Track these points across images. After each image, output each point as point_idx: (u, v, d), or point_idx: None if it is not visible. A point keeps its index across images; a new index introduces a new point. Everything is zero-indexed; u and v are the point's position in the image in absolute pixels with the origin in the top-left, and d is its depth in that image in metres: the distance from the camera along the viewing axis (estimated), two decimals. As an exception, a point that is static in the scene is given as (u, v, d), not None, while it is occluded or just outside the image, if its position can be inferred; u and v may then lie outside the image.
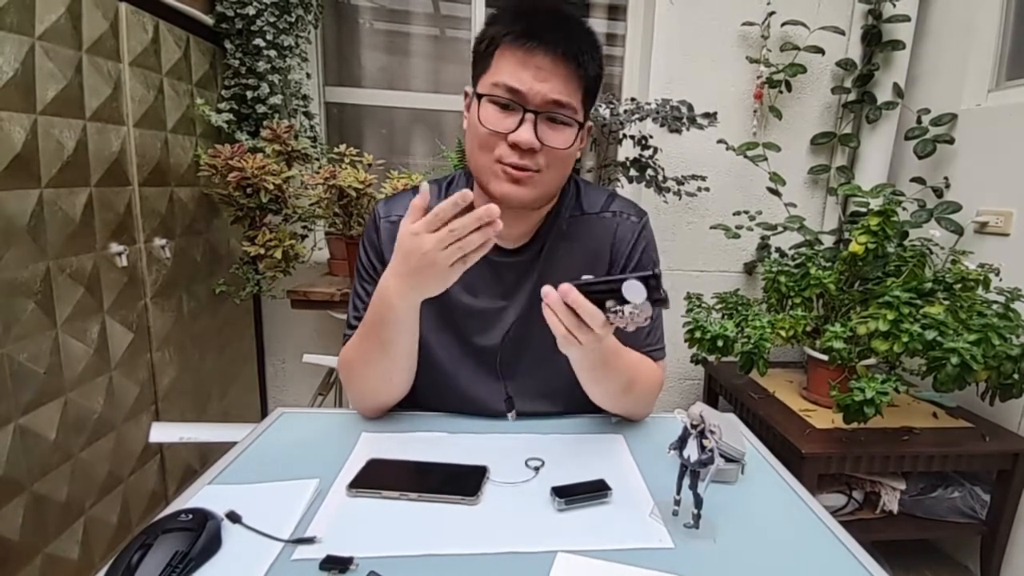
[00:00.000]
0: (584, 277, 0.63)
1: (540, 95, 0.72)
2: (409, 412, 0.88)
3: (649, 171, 1.84)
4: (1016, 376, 1.30)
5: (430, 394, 0.89)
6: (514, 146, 0.73)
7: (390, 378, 0.82)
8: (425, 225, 0.64)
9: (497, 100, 0.73)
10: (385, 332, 0.76)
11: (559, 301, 0.62)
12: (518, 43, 0.72)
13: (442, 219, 0.63)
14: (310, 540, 0.57)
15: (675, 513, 0.63)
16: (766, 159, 1.85)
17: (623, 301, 0.59)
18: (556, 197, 0.86)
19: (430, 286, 0.69)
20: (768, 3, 1.92)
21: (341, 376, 0.86)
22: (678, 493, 0.63)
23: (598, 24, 2.15)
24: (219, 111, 1.66)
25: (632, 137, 1.85)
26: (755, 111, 2.02)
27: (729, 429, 0.72)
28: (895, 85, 1.92)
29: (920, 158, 1.84)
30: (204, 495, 0.64)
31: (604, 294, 0.61)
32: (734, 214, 1.98)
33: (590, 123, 0.84)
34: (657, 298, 0.58)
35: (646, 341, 0.87)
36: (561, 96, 0.73)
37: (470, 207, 0.63)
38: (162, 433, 1.24)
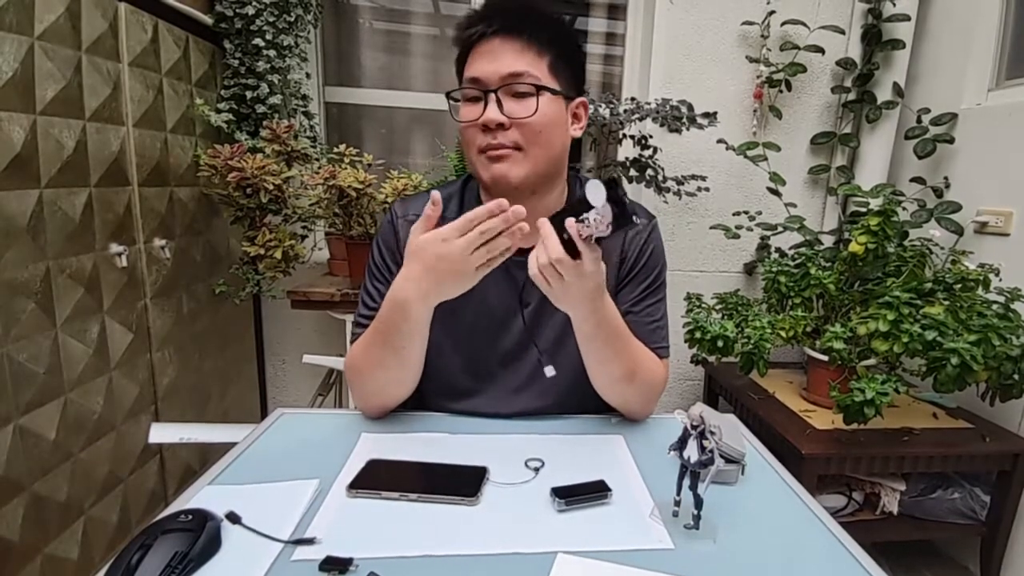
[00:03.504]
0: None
1: (496, 73, 0.77)
2: (409, 412, 0.88)
3: (649, 171, 1.84)
4: (1016, 376, 1.30)
5: (441, 396, 0.90)
6: (486, 129, 0.77)
7: (400, 381, 0.83)
8: (456, 230, 0.67)
9: (465, 95, 0.80)
10: (399, 339, 0.77)
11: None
12: (473, 42, 0.79)
13: (474, 223, 0.66)
14: (310, 541, 0.57)
15: (675, 514, 0.63)
16: (766, 159, 1.85)
17: (589, 207, 0.63)
18: (561, 189, 0.87)
19: (452, 289, 0.71)
20: (768, 2, 1.92)
21: (348, 377, 0.87)
22: (678, 494, 0.63)
23: (598, 24, 2.15)
24: (219, 111, 1.66)
25: (632, 137, 1.85)
26: (755, 111, 2.02)
27: (729, 430, 0.72)
28: (895, 84, 1.92)
29: (920, 158, 1.84)
30: (204, 495, 0.64)
31: (573, 212, 0.65)
32: (734, 214, 1.98)
33: (582, 99, 0.84)
34: (616, 199, 0.62)
35: (651, 339, 0.88)
36: (515, 67, 0.76)
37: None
38: (162, 434, 1.24)
